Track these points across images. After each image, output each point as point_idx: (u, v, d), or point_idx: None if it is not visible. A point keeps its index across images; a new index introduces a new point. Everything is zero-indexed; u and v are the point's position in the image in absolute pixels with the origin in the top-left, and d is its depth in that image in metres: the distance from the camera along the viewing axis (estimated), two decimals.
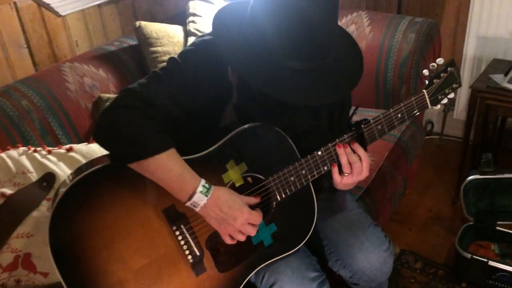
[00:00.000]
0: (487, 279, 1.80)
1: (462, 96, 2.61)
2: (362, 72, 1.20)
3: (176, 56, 1.12)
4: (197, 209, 1.03)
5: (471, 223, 1.98)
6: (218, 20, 1.10)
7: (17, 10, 1.75)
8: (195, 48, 1.13)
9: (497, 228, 1.95)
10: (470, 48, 2.46)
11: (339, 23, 2.08)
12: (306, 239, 1.20)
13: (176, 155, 1.03)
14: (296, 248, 1.20)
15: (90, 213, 1.02)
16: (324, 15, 1.01)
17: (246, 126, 1.13)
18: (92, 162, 1.09)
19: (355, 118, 1.31)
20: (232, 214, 1.05)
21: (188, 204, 1.01)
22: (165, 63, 1.12)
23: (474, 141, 2.17)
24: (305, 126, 1.27)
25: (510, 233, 1.93)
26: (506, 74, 2.01)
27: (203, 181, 1.03)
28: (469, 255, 1.81)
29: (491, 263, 1.77)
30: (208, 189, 1.03)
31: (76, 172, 1.08)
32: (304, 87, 1.05)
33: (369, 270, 1.30)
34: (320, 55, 1.06)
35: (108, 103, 1.05)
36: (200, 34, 1.95)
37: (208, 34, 1.18)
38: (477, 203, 1.96)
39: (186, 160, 1.05)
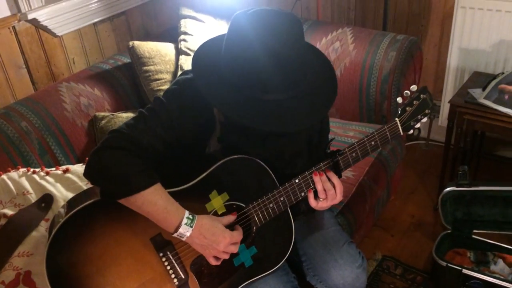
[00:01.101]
0: (461, 286, 1.91)
1: (446, 105, 2.69)
2: (336, 94, 1.28)
3: (160, 96, 1.20)
4: (183, 239, 1.14)
5: (449, 231, 2.09)
6: (198, 59, 1.19)
7: (15, 33, 1.84)
8: (179, 88, 1.21)
9: (473, 236, 2.06)
10: (453, 59, 2.54)
11: (325, 40, 2.17)
12: (283, 260, 1.31)
13: (160, 189, 1.13)
14: (275, 269, 1.30)
15: (83, 243, 1.12)
16: (292, 47, 1.10)
17: (227, 159, 1.23)
18: (86, 193, 1.19)
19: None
20: (215, 239, 1.16)
21: (175, 235, 1.12)
22: (149, 105, 1.21)
23: (454, 149, 2.26)
24: (289, 152, 1.37)
25: (485, 241, 2.04)
26: (484, 89, 2.10)
27: (187, 213, 1.13)
28: (444, 263, 1.92)
29: (465, 271, 1.88)
30: (192, 220, 1.13)
31: (70, 202, 1.19)
32: (283, 116, 1.15)
33: (343, 285, 1.41)
34: (296, 84, 1.15)
35: (98, 145, 1.13)
36: (190, 52, 2.03)
37: (190, 72, 1.27)
38: (454, 213, 2.07)
39: (171, 193, 1.15)
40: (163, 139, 1.16)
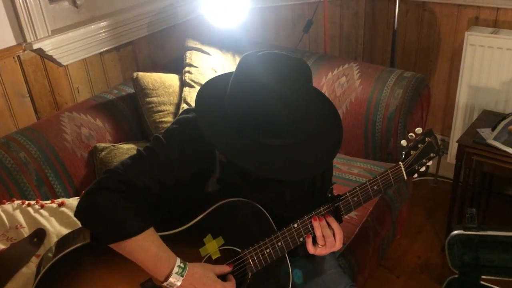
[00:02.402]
0: None
1: (455, 142, 2.64)
2: (341, 141, 1.24)
3: (160, 135, 1.17)
4: None
5: (456, 275, 2.01)
6: (201, 97, 1.15)
7: (20, 63, 1.84)
8: (179, 127, 1.18)
9: (482, 282, 1.98)
10: (462, 96, 2.51)
11: (331, 74, 2.15)
12: None
13: (153, 235, 1.08)
14: None
15: (72, 287, 1.08)
16: (300, 93, 1.07)
17: (223, 202, 1.19)
18: (76, 232, 1.16)
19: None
20: None
21: (164, 284, 1.07)
22: (149, 143, 1.17)
23: (463, 188, 2.20)
24: (290, 196, 1.32)
25: None
26: (493, 129, 2.06)
27: (178, 261, 1.08)
28: None
29: None
30: (184, 269, 1.08)
31: (59, 243, 1.15)
32: (287, 163, 1.11)
33: None
34: (301, 129, 1.11)
35: (91, 186, 1.10)
36: (194, 84, 2.02)
37: (191, 110, 1.24)
38: (462, 256, 1.99)
39: (164, 236, 1.11)
40: (159, 181, 1.12)
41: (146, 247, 1.06)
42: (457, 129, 2.61)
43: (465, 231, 1.91)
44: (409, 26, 2.75)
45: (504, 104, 2.39)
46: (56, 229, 1.45)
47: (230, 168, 1.22)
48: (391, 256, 2.33)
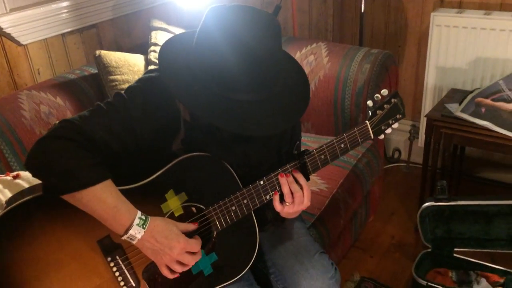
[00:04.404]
0: None
1: (425, 125, 2.66)
2: (309, 99, 1.22)
3: (122, 92, 1.11)
4: (134, 242, 1.03)
5: (429, 250, 1.99)
6: (164, 54, 1.10)
7: None
8: (141, 85, 1.13)
9: (455, 255, 1.97)
10: (430, 78, 2.53)
11: (299, 53, 2.14)
12: (247, 268, 1.20)
13: (111, 186, 1.02)
14: (237, 278, 1.19)
15: (21, 243, 1.01)
16: (268, 46, 1.03)
17: (186, 155, 1.14)
18: (34, 188, 1.09)
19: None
20: (168, 243, 1.04)
21: (124, 237, 1.01)
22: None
23: (432, 168, 2.20)
24: (255, 157, 1.28)
25: (467, 260, 1.95)
26: (460, 103, 2.07)
27: (139, 213, 1.03)
28: (424, 282, 1.81)
29: None
30: (145, 221, 1.03)
31: (13, 198, 1.08)
32: (255, 118, 1.07)
33: None
34: (268, 86, 1.07)
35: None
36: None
37: (155, 70, 1.19)
38: (434, 230, 1.98)
39: (123, 191, 1.05)
40: (119, 137, 1.06)
41: (104, 198, 0.99)
42: (427, 112, 2.62)
43: (436, 202, 1.90)
44: (376, 12, 2.77)
45: (472, 83, 2.42)
46: None
47: (195, 128, 1.17)
48: (364, 237, 2.31)
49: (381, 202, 2.43)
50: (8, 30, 1.83)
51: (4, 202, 1.32)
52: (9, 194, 1.38)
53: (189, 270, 1.14)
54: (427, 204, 1.92)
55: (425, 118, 2.15)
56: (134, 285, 1.09)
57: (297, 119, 1.31)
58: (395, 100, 1.38)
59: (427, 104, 2.61)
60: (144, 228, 1.02)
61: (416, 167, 2.84)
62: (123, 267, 1.08)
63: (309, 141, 2.03)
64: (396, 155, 2.97)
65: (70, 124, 1.03)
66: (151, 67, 1.97)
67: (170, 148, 1.18)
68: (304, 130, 2.17)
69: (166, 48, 1.12)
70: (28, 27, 1.90)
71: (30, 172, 1.01)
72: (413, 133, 2.85)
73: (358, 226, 2.14)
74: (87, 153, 1.01)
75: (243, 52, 1.01)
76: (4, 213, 0.99)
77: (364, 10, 2.46)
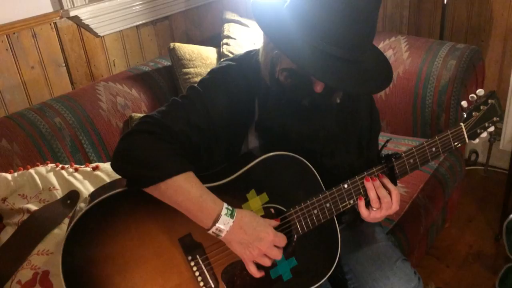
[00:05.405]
0: None
1: (509, 126, 2.46)
2: (391, 80, 1.12)
3: (195, 85, 1.11)
4: (221, 235, 0.99)
5: None
6: (258, 11, 1.02)
7: (57, 30, 1.80)
8: (213, 77, 1.13)
9: None
10: None
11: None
12: (327, 276, 1.14)
13: (194, 178, 1.00)
14: (316, 285, 1.13)
15: (104, 238, 1.00)
16: (372, 10, 0.97)
17: (269, 154, 1.09)
18: (115, 183, 1.08)
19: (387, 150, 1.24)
20: (258, 235, 1.00)
21: (212, 230, 0.97)
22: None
23: None
24: (333, 132, 1.20)
25: None
26: None
27: (225, 204, 0.99)
28: None
29: None
30: (232, 211, 0.99)
31: (96, 193, 1.08)
32: (342, 74, 0.99)
33: None
34: (359, 48, 1.00)
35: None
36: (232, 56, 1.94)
37: (228, 60, 1.17)
38: None
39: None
40: (197, 126, 1.05)
41: (188, 188, 0.97)
42: (511, 114, 2.42)
43: None
44: (458, 4, 2.58)
45: None
46: (90, 191, 1.37)
47: (270, 104, 1.12)
48: (440, 245, 2.17)
49: (458, 208, 2.27)
50: (86, 22, 1.87)
51: (87, 195, 1.34)
52: (89, 185, 1.40)
53: (268, 274, 1.09)
54: None
55: None
56: (213, 286, 1.06)
57: (380, 90, 1.21)
58: (493, 101, 1.27)
59: None
60: (232, 218, 0.98)
61: (495, 171, 2.64)
62: (203, 267, 1.05)
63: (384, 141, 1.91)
64: (473, 158, 2.78)
65: (150, 119, 1.04)
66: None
67: (246, 143, 1.16)
68: (379, 130, 2.06)
69: (257, 6, 1.04)
70: (105, 19, 1.93)
71: (115, 169, 1.00)
72: (494, 135, 2.65)
73: (434, 232, 2.01)
74: (169, 145, 1.00)
75: (347, 4, 0.93)
76: (88, 209, 0.98)
77: (446, 2, 2.29)
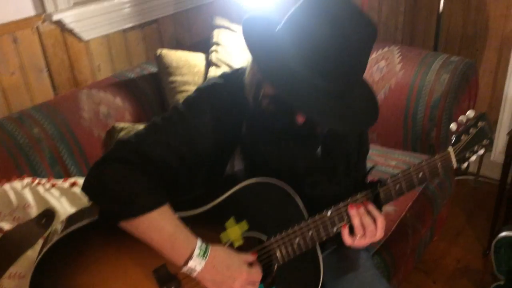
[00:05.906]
0: None
1: (501, 138, 2.44)
2: (377, 117, 1.08)
3: (179, 104, 1.06)
4: (194, 274, 0.95)
5: (501, 282, 1.81)
6: (250, 38, 0.97)
7: (39, 34, 1.74)
8: (200, 95, 1.07)
9: None
10: (511, 89, 2.29)
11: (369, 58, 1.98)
12: None
13: (169, 212, 0.95)
14: None
15: (75, 269, 0.96)
16: (362, 46, 0.94)
17: (250, 181, 1.05)
18: (88, 210, 1.03)
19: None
20: (231, 275, 0.97)
21: (184, 269, 0.94)
22: (167, 112, 1.07)
23: (511, 189, 2.00)
24: (319, 166, 1.16)
25: None
26: None
27: (199, 242, 0.95)
28: None
29: None
30: (205, 251, 0.95)
31: (73, 216, 1.03)
32: (325, 107, 0.95)
33: None
34: (346, 81, 0.96)
35: (102, 156, 0.99)
36: (221, 63, 1.88)
37: (216, 78, 1.12)
38: (509, 262, 1.79)
39: (181, 218, 0.97)
40: (177, 152, 1.00)
41: (161, 226, 0.93)
42: (504, 125, 2.40)
43: None
44: (454, 12, 2.54)
45: None
46: (66, 210, 1.33)
47: (257, 124, 1.06)
48: (428, 258, 2.14)
49: (446, 220, 2.25)
50: (70, 26, 1.81)
51: (64, 217, 1.29)
52: (65, 204, 1.35)
53: None
54: (504, 234, 1.74)
55: (506, 134, 1.94)
56: None
57: (367, 126, 1.18)
58: (483, 123, 1.23)
59: (505, 116, 2.38)
60: (205, 259, 0.94)
61: (486, 182, 2.61)
62: None
63: (375, 154, 1.88)
64: (463, 167, 2.75)
65: (127, 145, 0.99)
66: (212, 68, 1.88)
67: (231, 165, 1.12)
68: (370, 142, 2.02)
69: (248, 26, 1.00)
70: (90, 23, 1.87)
71: (88, 197, 0.95)
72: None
73: (422, 247, 1.98)
74: (143, 177, 0.95)
75: (340, 35, 0.91)
76: (60, 238, 0.94)
77: (442, 10, 2.25)
